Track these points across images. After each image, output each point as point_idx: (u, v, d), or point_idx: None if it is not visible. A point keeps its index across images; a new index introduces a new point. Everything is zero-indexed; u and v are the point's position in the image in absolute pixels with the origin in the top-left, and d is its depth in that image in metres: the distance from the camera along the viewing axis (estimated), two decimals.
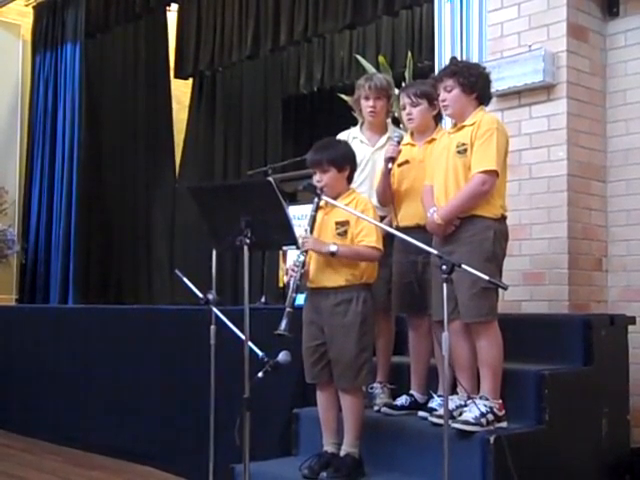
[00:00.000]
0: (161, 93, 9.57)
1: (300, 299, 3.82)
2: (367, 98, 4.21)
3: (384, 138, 4.22)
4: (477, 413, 3.47)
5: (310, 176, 3.86)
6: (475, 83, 3.74)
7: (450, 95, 3.74)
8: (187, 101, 9.94)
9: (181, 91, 9.87)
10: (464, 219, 3.62)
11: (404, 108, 4.03)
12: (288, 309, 3.57)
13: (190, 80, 9.90)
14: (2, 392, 6.80)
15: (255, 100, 10.04)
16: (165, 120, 9.59)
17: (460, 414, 3.56)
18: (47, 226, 8.61)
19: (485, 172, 3.57)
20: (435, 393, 3.91)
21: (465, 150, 3.65)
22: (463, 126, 3.73)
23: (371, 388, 4.13)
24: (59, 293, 8.28)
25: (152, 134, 9.39)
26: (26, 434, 6.34)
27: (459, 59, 4.77)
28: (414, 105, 3.98)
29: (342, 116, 5.35)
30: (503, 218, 3.71)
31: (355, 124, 4.46)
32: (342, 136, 4.29)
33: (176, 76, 9.60)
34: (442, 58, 5.33)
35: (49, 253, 8.55)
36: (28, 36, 9.06)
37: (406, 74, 6.00)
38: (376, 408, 4.06)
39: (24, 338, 6.85)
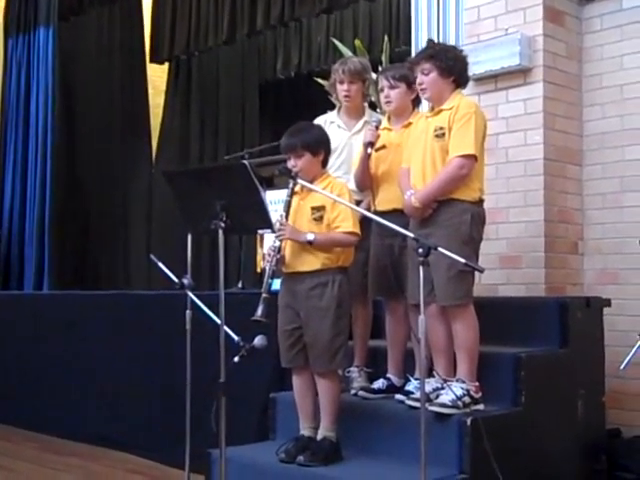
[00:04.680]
0: (137, 78, 9.48)
1: (276, 284, 3.80)
2: (342, 82, 4.19)
3: (361, 122, 4.20)
4: (453, 396, 3.49)
5: (286, 161, 3.83)
6: (453, 66, 3.73)
7: (427, 78, 3.72)
8: (163, 86, 9.85)
9: (157, 76, 9.77)
10: (442, 202, 3.62)
11: (382, 91, 4.01)
12: (264, 295, 3.56)
13: (166, 65, 9.82)
14: None
15: (232, 85, 9.97)
16: (141, 105, 9.51)
17: (437, 397, 3.57)
18: (21, 212, 8.49)
19: (463, 156, 3.57)
20: (412, 376, 3.92)
21: (443, 134, 3.64)
22: (441, 110, 3.71)
23: (348, 372, 4.12)
24: (34, 280, 8.18)
25: (128, 119, 9.30)
26: (2, 422, 6.28)
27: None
28: (392, 88, 3.96)
29: (319, 101, 5.32)
30: (481, 202, 3.71)
31: (333, 109, 4.43)
32: (319, 121, 4.27)
33: (152, 61, 9.53)
34: (419, 42, 5.31)
35: (23, 239, 8.43)
36: (0, 19, 8.90)
37: (383, 58, 5.97)
38: (353, 392, 4.05)
39: None
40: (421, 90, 3.79)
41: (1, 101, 8.84)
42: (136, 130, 9.40)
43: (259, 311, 3.51)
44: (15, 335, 6.55)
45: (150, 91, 9.59)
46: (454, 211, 3.60)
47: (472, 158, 3.58)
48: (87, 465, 5.05)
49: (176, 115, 9.79)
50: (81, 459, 5.20)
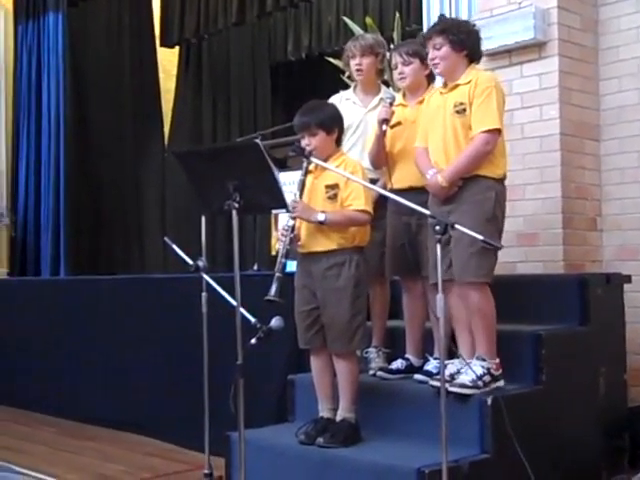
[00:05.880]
0: (147, 62, 9.45)
1: (291, 266, 3.76)
2: (354, 57, 4.15)
3: (376, 99, 4.16)
4: (474, 376, 3.44)
5: (300, 140, 3.79)
6: (465, 40, 3.67)
7: (440, 53, 3.66)
8: (174, 70, 9.81)
9: (168, 60, 9.73)
10: (466, 179, 3.57)
11: (396, 67, 3.95)
12: (278, 274, 3.52)
13: (176, 49, 9.77)
14: None
15: (243, 67, 9.91)
16: (152, 89, 9.48)
17: (457, 377, 3.52)
18: (36, 198, 8.51)
19: (488, 131, 3.51)
20: (431, 356, 3.88)
21: (464, 110, 3.58)
22: (457, 85, 3.65)
23: (366, 352, 4.09)
24: (50, 266, 8.21)
25: (139, 104, 9.29)
26: (20, 406, 6.31)
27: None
28: (406, 64, 3.91)
29: (331, 82, 5.28)
30: (504, 179, 3.66)
31: (345, 89, 4.40)
32: (334, 99, 4.24)
33: (162, 45, 9.49)
34: (430, 18, 5.24)
35: (39, 226, 8.46)
36: (9, 5, 8.87)
37: (395, 36, 5.91)
38: (371, 372, 4.03)
39: (16, 312, 6.80)
40: (433, 65, 3.73)
41: (13, 88, 8.82)
42: (148, 114, 9.38)
43: (273, 291, 3.49)
44: (33, 321, 6.55)
45: (161, 75, 9.55)
46: (478, 188, 3.55)
47: (497, 132, 3.54)
48: (104, 448, 5.06)
49: (188, 99, 9.75)
50: (98, 442, 5.22)
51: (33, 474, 3.91)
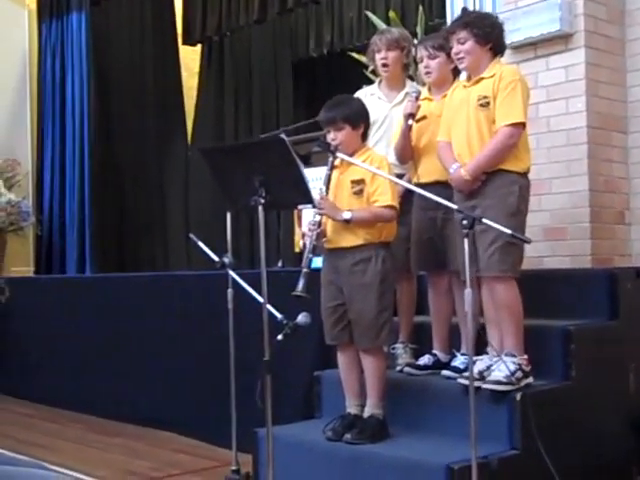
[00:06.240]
0: (169, 60, 9.48)
1: (317, 262, 3.75)
2: (379, 51, 4.13)
3: (401, 94, 4.13)
4: (507, 372, 3.39)
5: (325, 135, 3.77)
6: (489, 33, 3.64)
7: (464, 47, 3.63)
8: (196, 68, 9.82)
9: (190, 58, 9.75)
10: (489, 173, 3.54)
11: (421, 61, 3.93)
12: (305, 270, 3.50)
13: (198, 46, 9.78)
14: (25, 363, 6.82)
15: (265, 64, 9.90)
16: (174, 87, 9.50)
17: (489, 374, 3.47)
18: (61, 197, 8.57)
19: (512, 125, 3.48)
20: (458, 352, 3.85)
21: (488, 103, 3.55)
22: (481, 78, 3.62)
23: (393, 348, 4.08)
24: (76, 264, 8.27)
25: (162, 102, 9.31)
26: (47, 403, 6.35)
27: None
28: (432, 57, 3.89)
29: (354, 78, 5.25)
30: (527, 173, 3.62)
31: (368, 85, 4.38)
32: (359, 94, 4.21)
33: (184, 43, 9.52)
34: (454, 11, 5.21)
35: (64, 224, 8.51)
36: (33, 5, 8.93)
37: (418, 30, 5.87)
38: (398, 368, 4.01)
39: (43, 309, 6.84)
40: (458, 60, 3.69)
41: (38, 87, 8.87)
42: (171, 113, 9.41)
43: (299, 286, 3.46)
44: (61, 318, 6.59)
45: (183, 73, 9.56)
46: (502, 182, 3.52)
47: (521, 126, 3.51)
48: (131, 444, 5.09)
49: (210, 96, 9.76)
50: (126, 439, 5.25)
51: (65, 471, 3.92)
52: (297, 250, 6.82)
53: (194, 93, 9.74)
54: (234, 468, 3.96)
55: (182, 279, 5.89)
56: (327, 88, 9.53)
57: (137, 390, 5.65)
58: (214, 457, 4.54)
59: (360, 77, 5.45)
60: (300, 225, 6.62)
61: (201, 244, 4.07)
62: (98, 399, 5.96)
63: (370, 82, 4.51)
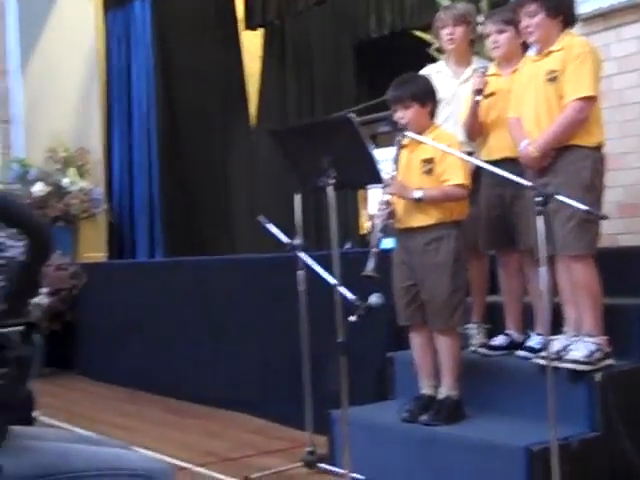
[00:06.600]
0: (232, 45, 9.52)
1: (385, 243, 3.71)
2: (445, 26, 4.07)
3: (469, 70, 4.07)
4: (586, 351, 3.32)
5: (392, 114, 3.73)
6: (560, 5, 3.54)
7: (534, 20, 3.53)
8: (258, 53, 9.85)
9: (252, 42, 9.77)
10: (560, 149, 3.44)
11: (489, 36, 3.85)
12: (374, 249, 3.47)
13: (259, 31, 9.81)
14: (105, 347, 6.95)
15: (325, 46, 9.85)
16: (237, 72, 9.55)
17: (567, 353, 3.39)
18: (129, 184, 8.74)
19: (582, 99, 3.38)
20: (532, 331, 3.79)
21: (556, 77, 3.46)
22: (550, 52, 3.53)
23: (465, 329, 4.02)
24: (146, 249, 8.45)
25: (226, 87, 9.37)
26: (126, 385, 6.47)
27: None
28: (500, 32, 3.81)
29: (416, 58, 5.17)
30: (601, 147, 3.52)
31: (431, 64, 4.34)
32: (426, 71, 4.17)
33: (246, 28, 9.54)
34: None
35: (133, 211, 8.70)
36: None
37: (483, 5, 5.76)
38: (472, 349, 3.97)
39: (118, 293, 6.96)
40: (528, 33, 3.59)
41: (105, 76, 9.00)
42: (234, 97, 9.46)
43: (369, 266, 3.42)
44: (136, 303, 6.69)
45: (245, 57, 9.60)
46: (574, 158, 3.42)
47: (591, 100, 3.40)
48: (207, 425, 5.13)
49: (272, 80, 9.77)
50: (201, 420, 5.29)
51: (147, 452, 3.99)
52: (363, 232, 6.80)
53: (256, 78, 9.75)
54: (309, 449, 3.98)
55: (252, 261, 5.91)
56: (389, 69, 9.44)
57: (212, 373, 5.70)
58: (288, 438, 4.56)
59: (422, 57, 5.38)
60: (366, 207, 6.60)
61: (271, 226, 4.08)
62: (174, 381, 6.04)
63: (434, 61, 4.44)
